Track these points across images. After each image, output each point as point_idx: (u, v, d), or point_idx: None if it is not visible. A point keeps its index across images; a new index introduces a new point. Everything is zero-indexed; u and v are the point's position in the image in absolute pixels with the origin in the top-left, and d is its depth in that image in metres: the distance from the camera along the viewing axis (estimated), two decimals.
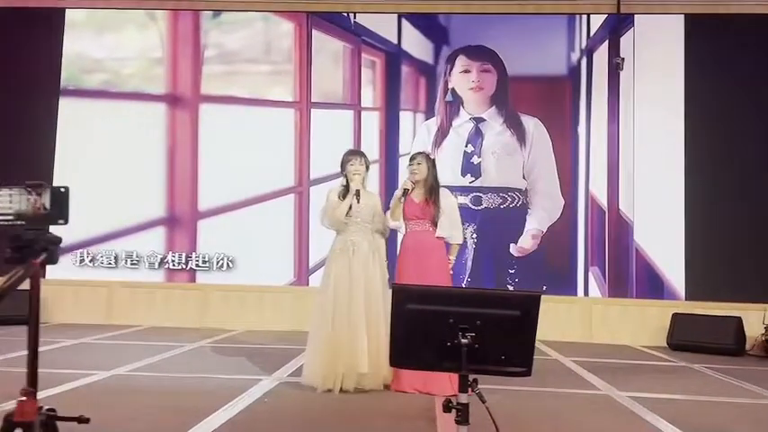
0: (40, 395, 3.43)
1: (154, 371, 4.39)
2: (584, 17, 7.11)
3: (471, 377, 2.29)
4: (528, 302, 2.32)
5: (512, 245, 6.88)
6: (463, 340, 2.23)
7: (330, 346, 3.86)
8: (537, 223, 6.92)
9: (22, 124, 7.17)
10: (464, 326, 2.25)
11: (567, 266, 6.95)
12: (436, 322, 2.25)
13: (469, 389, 2.27)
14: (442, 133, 7.08)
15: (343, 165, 4.16)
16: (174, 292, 7.02)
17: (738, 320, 6.17)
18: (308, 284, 6.85)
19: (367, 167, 4.16)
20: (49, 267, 6.85)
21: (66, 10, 7.39)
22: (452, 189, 6.66)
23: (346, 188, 4.08)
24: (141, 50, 7.45)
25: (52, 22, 7.31)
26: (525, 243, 6.87)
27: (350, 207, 4.00)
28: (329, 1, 7.22)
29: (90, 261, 7.06)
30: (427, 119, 7.22)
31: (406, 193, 4.11)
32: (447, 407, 2.24)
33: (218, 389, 3.86)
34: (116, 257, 7.05)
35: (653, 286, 6.78)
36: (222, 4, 7.31)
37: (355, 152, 4.23)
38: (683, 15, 6.94)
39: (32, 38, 7.31)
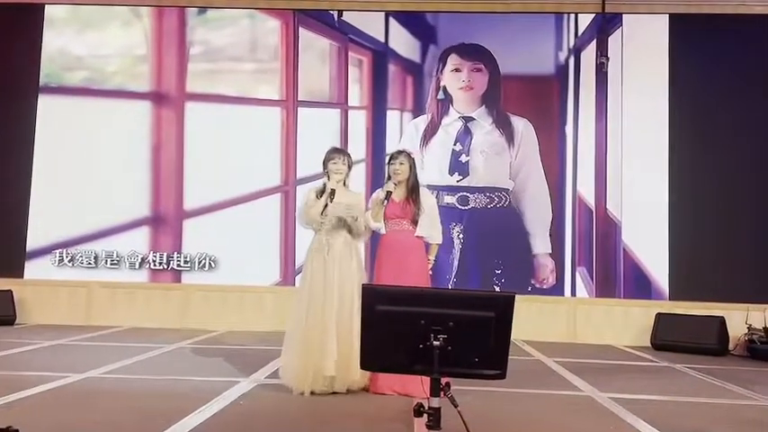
0: (9, 398, 3.38)
1: (128, 373, 4.31)
2: (573, 17, 7.09)
3: (443, 380, 2.25)
4: (502, 303, 2.28)
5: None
6: (435, 342, 2.18)
7: (303, 346, 3.80)
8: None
9: None
10: (436, 327, 2.20)
11: (554, 267, 6.90)
12: (407, 324, 2.20)
13: (441, 392, 2.23)
14: (431, 131, 7.06)
15: (324, 163, 4.09)
16: (154, 292, 6.92)
17: (721, 320, 6.17)
18: (293, 284, 6.77)
19: (349, 167, 4.09)
20: (27, 268, 6.86)
21: (46, 6, 7.27)
22: (440, 188, 6.81)
23: (324, 185, 4.01)
24: (125, 47, 7.34)
25: (30, 19, 7.20)
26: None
27: (325, 206, 3.93)
28: None
29: (69, 261, 6.95)
30: (414, 117, 7.18)
31: (388, 195, 4.05)
32: (418, 411, 2.20)
33: (193, 391, 3.79)
34: (96, 257, 6.95)
35: (640, 286, 6.77)
36: (208, 1, 7.23)
37: (338, 150, 4.15)
38: (667, 15, 6.95)
39: (11, 34, 7.20)
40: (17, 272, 6.95)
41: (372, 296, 2.24)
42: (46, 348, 5.27)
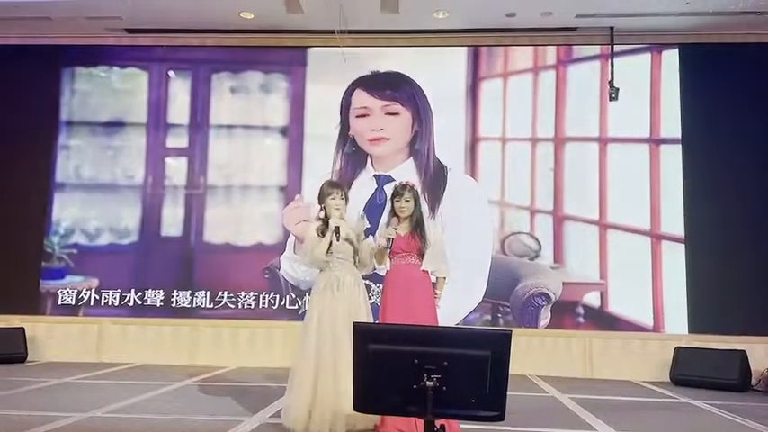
0: None
1: (132, 412, 4.25)
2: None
3: (438, 423, 2.17)
4: (499, 341, 2.20)
5: None
6: (429, 383, 2.11)
7: (308, 386, 3.70)
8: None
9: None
10: (430, 367, 2.13)
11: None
12: (400, 363, 2.14)
13: None
14: None
15: (321, 197, 4.05)
16: (164, 328, 6.90)
17: (743, 354, 5.98)
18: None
19: (346, 201, 4.06)
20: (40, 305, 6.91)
21: None
22: None
23: (325, 222, 3.97)
24: None
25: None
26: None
27: (330, 244, 3.90)
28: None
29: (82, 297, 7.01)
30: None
31: (390, 242, 3.99)
32: None
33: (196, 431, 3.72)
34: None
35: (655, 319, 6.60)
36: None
37: (335, 185, 4.10)
38: (677, 46, 6.95)
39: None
40: (30, 309, 6.99)
41: (365, 334, 2.18)
42: (53, 386, 5.25)
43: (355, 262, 4.02)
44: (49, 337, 6.90)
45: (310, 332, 3.86)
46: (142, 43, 7.36)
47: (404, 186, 4.15)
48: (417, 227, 4.08)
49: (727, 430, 4.19)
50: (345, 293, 3.87)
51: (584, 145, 6.96)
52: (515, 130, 7.01)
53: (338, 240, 3.83)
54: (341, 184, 4.10)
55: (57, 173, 7.27)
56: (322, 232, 3.92)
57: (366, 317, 3.92)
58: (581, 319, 6.63)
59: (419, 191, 4.20)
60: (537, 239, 6.72)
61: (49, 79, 7.37)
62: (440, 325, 3.91)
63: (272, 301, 6.84)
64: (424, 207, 4.32)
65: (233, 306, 6.89)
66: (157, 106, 7.31)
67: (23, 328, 6.73)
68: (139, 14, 6.82)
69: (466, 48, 7.14)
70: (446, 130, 6.87)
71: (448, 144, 6.84)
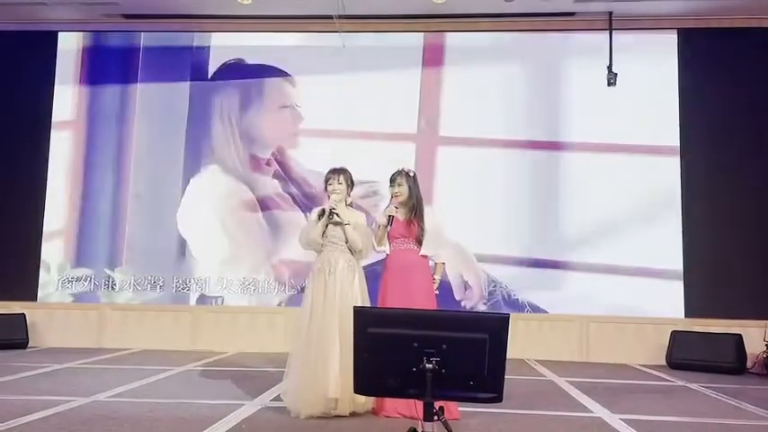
0: (11, 424, 3.38)
1: (134, 396, 4.29)
2: None
3: (437, 405, 2.21)
4: (496, 325, 2.24)
5: None
6: (428, 365, 2.15)
7: (303, 368, 3.76)
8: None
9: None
10: (429, 350, 2.17)
11: None
12: (400, 346, 2.17)
13: (435, 416, 2.19)
14: None
15: (325, 184, 4.09)
16: (165, 314, 6.94)
17: (739, 338, 6.04)
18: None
19: (349, 185, 4.08)
20: (40, 290, 6.94)
21: None
22: None
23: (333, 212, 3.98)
24: None
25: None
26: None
27: (326, 226, 3.92)
28: None
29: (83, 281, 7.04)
30: None
31: (390, 220, 4.03)
32: None
33: (196, 416, 3.76)
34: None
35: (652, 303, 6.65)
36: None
37: (334, 170, 4.10)
38: (675, 30, 6.92)
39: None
40: (30, 295, 7.02)
41: (364, 318, 2.21)
42: (55, 372, 5.29)
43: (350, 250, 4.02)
44: (50, 322, 6.94)
45: (305, 316, 3.91)
46: (139, 29, 7.33)
47: (399, 172, 4.18)
48: (415, 212, 4.11)
49: (723, 413, 4.24)
50: (337, 277, 3.89)
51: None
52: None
53: (330, 220, 3.86)
54: (341, 169, 4.10)
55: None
56: (320, 216, 3.95)
57: (361, 301, 3.93)
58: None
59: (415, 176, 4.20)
60: None
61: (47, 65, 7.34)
62: (438, 309, 3.96)
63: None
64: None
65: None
66: None
67: (24, 315, 6.76)
68: None
69: (463, 33, 7.13)
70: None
71: None
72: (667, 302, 6.59)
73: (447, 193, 6.91)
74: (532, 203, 6.87)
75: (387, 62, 7.13)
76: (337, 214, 3.91)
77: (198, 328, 6.89)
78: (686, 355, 6.14)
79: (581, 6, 6.73)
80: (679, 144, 6.80)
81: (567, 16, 6.93)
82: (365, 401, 3.81)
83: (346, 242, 3.96)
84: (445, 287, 6.56)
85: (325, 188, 4.09)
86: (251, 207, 7.06)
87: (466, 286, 6.77)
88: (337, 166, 4.13)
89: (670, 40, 6.92)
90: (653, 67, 6.91)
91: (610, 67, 6.79)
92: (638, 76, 6.89)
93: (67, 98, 7.31)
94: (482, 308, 6.69)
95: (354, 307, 2.23)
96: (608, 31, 6.87)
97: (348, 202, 4.09)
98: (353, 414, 3.80)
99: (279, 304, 6.91)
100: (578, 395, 4.70)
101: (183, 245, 7.04)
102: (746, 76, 6.80)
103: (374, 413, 3.87)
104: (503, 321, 2.21)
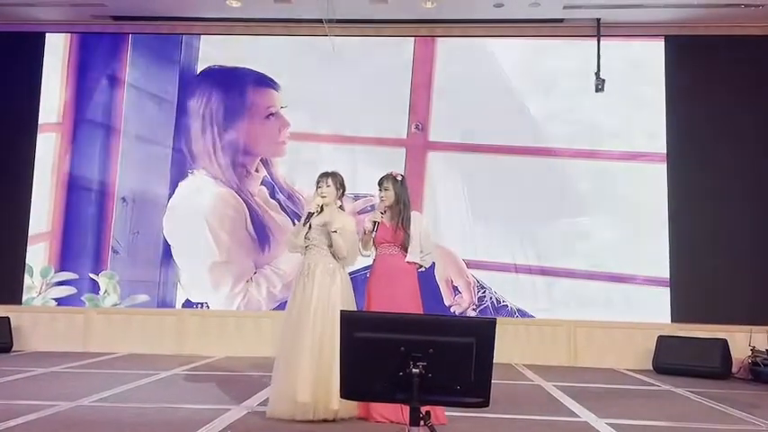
0: None
1: (119, 401, 4.25)
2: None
3: (424, 409, 2.20)
4: (483, 329, 2.23)
5: None
6: (414, 370, 2.13)
7: (281, 372, 3.74)
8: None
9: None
10: (416, 354, 2.16)
11: None
12: (386, 351, 2.16)
13: (421, 421, 2.18)
14: None
15: (315, 187, 4.08)
16: (151, 318, 6.88)
17: (724, 343, 6.08)
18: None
19: (338, 188, 4.06)
20: (25, 294, 6.86)
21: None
22: None
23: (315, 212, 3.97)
24: None
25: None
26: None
27: (309, 229, 3.91)
28: None
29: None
30: None
31: (375, 226, 4.01)
32: None
33: (182, 420, 3.73)
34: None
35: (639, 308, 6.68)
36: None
37: (325, 173, 4.09)
38: (662, 38, 6.99)
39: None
40: (15, 298, 6.94)
41: (351, 322, 2.20)
42: (39, 376, 5.23)
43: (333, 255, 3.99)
44: (35, 326, 6.86)
45: (287, 318, 3.90)
46: (127, 31, 7.29)
47: (386, 176, 4.17)
48: (402, 219, 4.09)
49: (709, 417, 4.27)
50: (315, 280, 3.86)
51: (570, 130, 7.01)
52: None
53: (306, 224, 3.87)
54: (332, 172, 4.09)
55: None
56: (306, 220, 3.94)
57: (343, 305, 3.85)
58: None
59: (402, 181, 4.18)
60: None
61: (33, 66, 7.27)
62: (425, 313, 3.95)
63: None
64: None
65: None
66: None
67: (8, 318, 6.68)
68: (125, 1, 6.74)
69: (453, 38, 7.16)
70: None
71: None
72: (654, 308, 6.64)
73: (437, 198, 6.92)
74: (522, 209, 6.88)
75: (376, 67, 7.14)
76: (318, 212, 3.89)
77: (184, 332, 6.84)
78: (672, 359, 6.18)
79: (570, 13, 6.77)
80: (666, 151, 6.85)
81: (555, 23, 6.97)
82: (342, 409, 3.70)
83: (329, 246, 3.94)
84: (435, 292, 6.62)
85: (315, 191, 4.07)
86: (238, 212, 7.03)
87: (455, 292, 6.78)
88: (329, 170, 4.13)
89: (657, 47, 7.00)
90: (640, 73, 6.98)
91: (597, 74, 6.83)
92: (626, 83, 6.94)
93: (54, 100, 7.25)
94: (471, 313, 6.70)
95: (341, 311, 2.22)
96: (596, 38, 6.92)
97: (338, 205, 4.08)
98: (339, 419, 3.73)
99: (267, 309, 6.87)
100: (565, 400, 4.71)
101: (168, 249, 6.99)
102: (733, 83, 6.86)
103: (367, 420, 3.84)
104: (489, 325, 2.20)
